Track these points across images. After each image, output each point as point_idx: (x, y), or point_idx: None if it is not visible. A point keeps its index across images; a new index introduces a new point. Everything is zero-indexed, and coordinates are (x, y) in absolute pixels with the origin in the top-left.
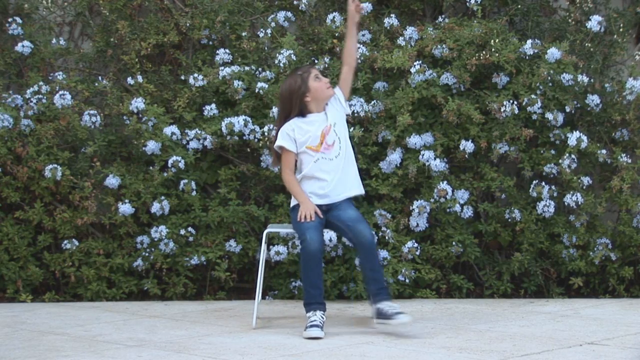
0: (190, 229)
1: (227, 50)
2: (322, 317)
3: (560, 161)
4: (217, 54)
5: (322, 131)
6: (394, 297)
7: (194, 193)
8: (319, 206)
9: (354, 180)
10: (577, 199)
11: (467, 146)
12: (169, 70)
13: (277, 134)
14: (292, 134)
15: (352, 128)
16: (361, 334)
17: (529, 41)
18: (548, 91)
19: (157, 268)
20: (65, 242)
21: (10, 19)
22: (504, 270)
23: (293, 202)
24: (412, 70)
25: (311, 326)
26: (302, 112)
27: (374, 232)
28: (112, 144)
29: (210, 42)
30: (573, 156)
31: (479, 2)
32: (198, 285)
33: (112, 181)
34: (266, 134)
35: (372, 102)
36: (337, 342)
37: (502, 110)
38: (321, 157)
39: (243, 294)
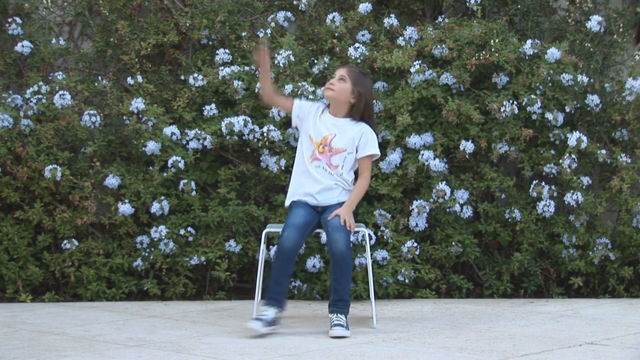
0: (190, 229)
1: (227, 50)
2: (274, 314)
3: (560, 161)
4: (217, 54)
5: (326, 135)
6: (394, 297)
7: (193, 193)
8: (314, 207)
9: (349, 192)
10: (577, 197)
11: (467, 146)
12: (169, 70)
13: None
14: (312, 106)
15: None
16: (361, 334)
17: (529, 41)
18: (548, 91)
19: (157, 268)
20: (65, 242)
21: (10, 19)
22: (504, 270)
23: (287, 202)
24: (412, 70)
25: (256, 319)
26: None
27: (350, 245)
28: (112, 144)
29: (210, 42)
30: (573, 156)
31: (478, 2)
32: (198, 285)
33: (112, 181)
34: (265, 134)
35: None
36: (337, 342)
37: (502, 110)
38: (322, 167)
39: (243, 294)
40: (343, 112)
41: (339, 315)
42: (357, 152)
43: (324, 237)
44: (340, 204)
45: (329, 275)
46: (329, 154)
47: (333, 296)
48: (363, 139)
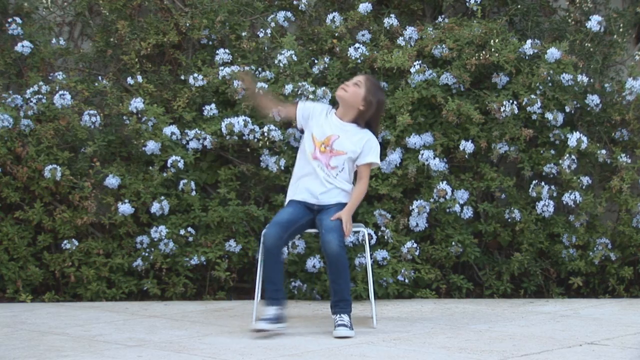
0: (190, 229)
1: (227, 50)
2: (275, 311)
3: (560, 162)
4: (217, 54)
5: (330, 135)
6: (394, 298)
7: (193, 193)
8: (311, 205)
9: (346, 193)
10: (575, 197)
11: (467, 146)
12: (169, 70)
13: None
14: (315, 105)
15: None
16: (361, 334)
17: (529, 41)
18: (548, 91)
19: (157, 268)
20: (65, 242)
21: (10, 19)
22: (504, 270)
23: (287, 199)
24: (412, 70)
25: (260, 319)
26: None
27: (344, 245)
28: (112, 144)
29: (210, 42)
30: (573, 157)
31: (478, 2)
32: (198, 285)
33: (112, 181)
34: (265, 134)
35: None
36: (337, 342)
37: (501, 110)
38: (320, 167)
39: (243, 294)
40: (350, 116)
41: (341, 315)
42: (357, 158)
43: None
44: (338, 205)
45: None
46: (329, 154)
47: (334, 297)
48: (366, 146)
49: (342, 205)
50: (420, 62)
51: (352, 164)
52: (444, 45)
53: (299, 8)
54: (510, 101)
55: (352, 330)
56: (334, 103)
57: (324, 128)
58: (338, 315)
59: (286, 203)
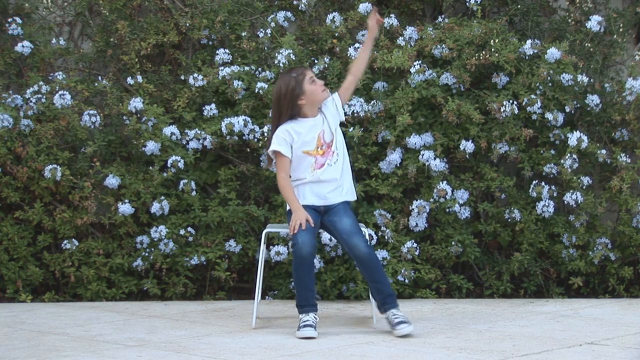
0: (190, 229)
1: (227, 50)
2: (314, 317)
3: (561, 161)
4: (217, 54)
5: (319, 135)
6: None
7: (193, 193)
8: (317, 207)
9: (350, 185)
10: (576, 197)
11: (467, 146)
12: (169, 70)
13: (271, 137)
14: (287, 139)
15: (351, 128)
16: (361, 334)
17: (529, 41)
18: (548, 91)
19: (157, 268)
20: (65, 242)
21: (10, 19)
22: (504, 270)
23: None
24: (412, 70)
25: (305, 326)
26: (295, 115)
27: (370, 242)
28: (112, 144)
29: (210, 42)
30: (574, 156)
31: (478, 2)
32: (198, 285)
33: (112, 181)
34: (265, 134)
35: (372, 102)
36: (337, 342)
37: (502, 110)
38: (326, 163)
39: (243, 294)
40: (318, 110)
41: (394, 312)
42: (339, 114)
43: (324, 237)
44: (344, 203)
45: (329, 275)
46: (328, 149)
47: (379, 296)
48: (332, 107)
49: (347, 204)
50: (420, 62)
51: (340, 131)
52: (444, 45)
53: (299, 8)
54: (510, 101)
55: (411, 324)
56: None
57: (306, 139)
58: (391, 313)
59: (288, 208)
